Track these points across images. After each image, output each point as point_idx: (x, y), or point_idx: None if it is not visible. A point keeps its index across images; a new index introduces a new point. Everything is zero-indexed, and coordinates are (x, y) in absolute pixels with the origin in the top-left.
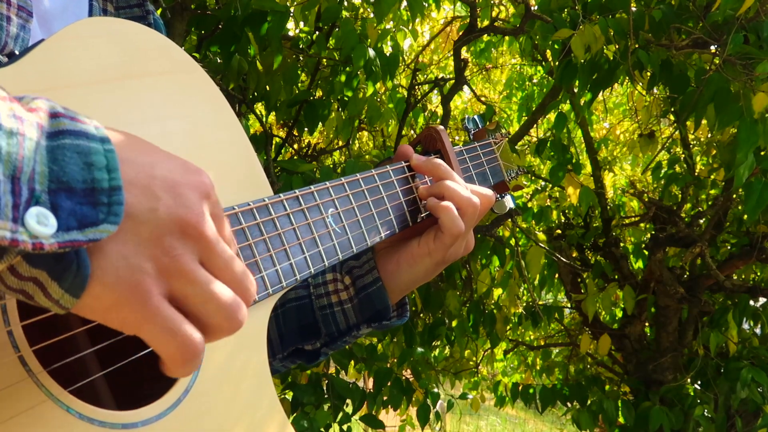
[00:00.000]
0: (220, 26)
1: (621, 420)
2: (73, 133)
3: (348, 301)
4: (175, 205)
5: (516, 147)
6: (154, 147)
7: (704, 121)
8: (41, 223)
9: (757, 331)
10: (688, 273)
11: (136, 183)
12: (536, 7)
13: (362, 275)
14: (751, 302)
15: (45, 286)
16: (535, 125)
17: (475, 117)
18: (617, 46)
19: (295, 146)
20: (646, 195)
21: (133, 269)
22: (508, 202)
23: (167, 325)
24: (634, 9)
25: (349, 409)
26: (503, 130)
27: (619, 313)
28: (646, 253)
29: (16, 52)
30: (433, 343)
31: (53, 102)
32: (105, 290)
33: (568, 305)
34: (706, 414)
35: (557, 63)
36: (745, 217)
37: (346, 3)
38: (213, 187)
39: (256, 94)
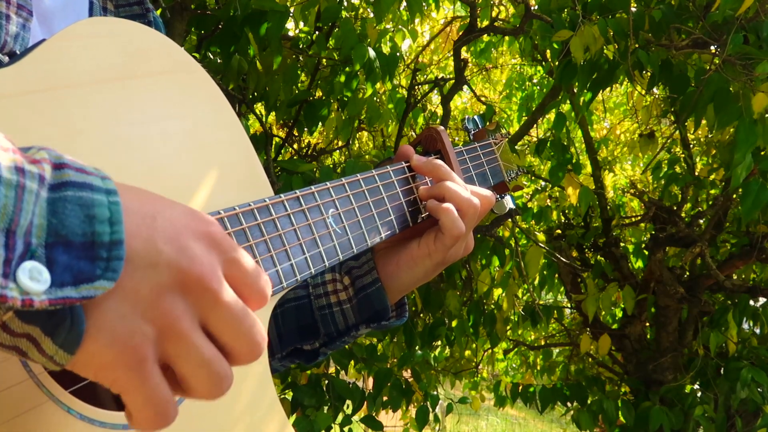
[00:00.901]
0: (219, 26)
1: (621, 420)
2: (76, 185)
3: (347, 302)
4: (177, 259)
5: (516, 147)
6: (157, 195)
7: (704, 121)
8: (33, 278)
9: (757, 331)
10: (688, 273)
11: (137, 235)
12: (536, 7)
13: (361, 276)
14: (751, 302)
15: (38, 342)
16: (535, 125)
17: (475, 117)
18: (617, 46)
19: (295, 146)
20: (646, 195)
21: (131, 331)
22: (508, 203)
23: (153, 395)
24: (634, 9)
25: (349, 410)
26: (503, 131)
27: (619, 313)
28: (646, 253)
29: (17, 51)
30: (434, 344)
31: (59, 153)
32: (101, 350)
33: (568, 305)
34: (706, 414)
35: (557, 63)
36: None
37: (345, 3)
38: (222, 234)
39: (255, 94)
